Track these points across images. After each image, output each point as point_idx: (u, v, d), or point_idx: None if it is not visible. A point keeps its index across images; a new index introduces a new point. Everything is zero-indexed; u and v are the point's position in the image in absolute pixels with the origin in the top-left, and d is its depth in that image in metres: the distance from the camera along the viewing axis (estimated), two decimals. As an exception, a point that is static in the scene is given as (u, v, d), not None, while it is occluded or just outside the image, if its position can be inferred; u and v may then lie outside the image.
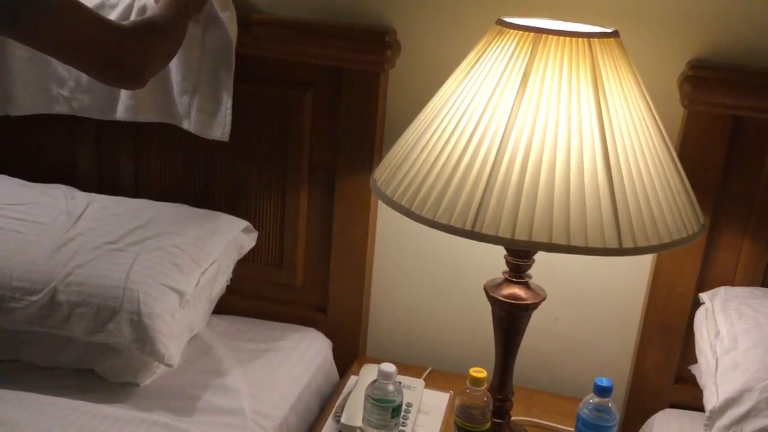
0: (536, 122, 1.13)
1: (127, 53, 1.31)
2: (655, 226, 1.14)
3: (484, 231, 1.12)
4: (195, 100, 1.59)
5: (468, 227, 1.13)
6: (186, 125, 1.62)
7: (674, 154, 1.24)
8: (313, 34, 1.58)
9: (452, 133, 1.19)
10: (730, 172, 1.46)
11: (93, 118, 1.69)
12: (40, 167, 1.81)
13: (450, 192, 1.16)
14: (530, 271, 1.34)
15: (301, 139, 1.66)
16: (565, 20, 1.34)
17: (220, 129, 1.59)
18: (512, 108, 1.15)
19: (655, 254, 1.53)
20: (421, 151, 1.22)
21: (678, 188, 1.20)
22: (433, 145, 1.21)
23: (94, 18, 1.28)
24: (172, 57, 1.47)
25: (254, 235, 1.71)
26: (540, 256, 1.29)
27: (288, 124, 1.66)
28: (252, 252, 1.71)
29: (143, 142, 1.76)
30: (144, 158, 1.77)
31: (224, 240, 1.62)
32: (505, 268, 1.34)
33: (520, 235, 1.11)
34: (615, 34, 1.22)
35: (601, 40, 1.18)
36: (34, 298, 1.42)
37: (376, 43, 1.56)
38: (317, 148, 1.67)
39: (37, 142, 1.82)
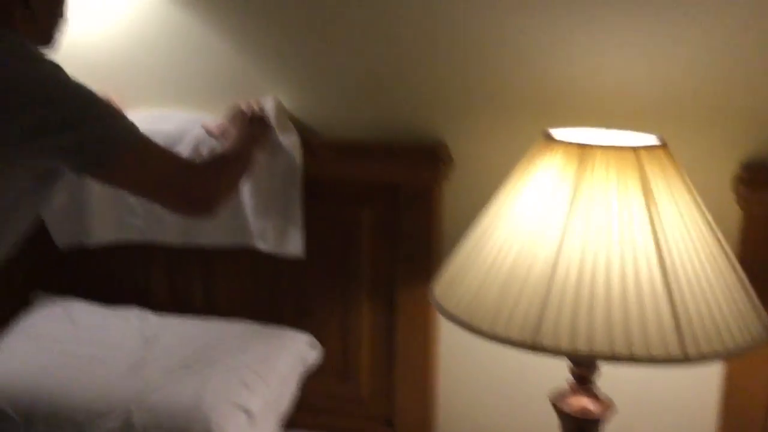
0: (588, 233, 1.16)
1: (198, 189, 1.39)
2: (718, 331, 1.13)
3: (544, 343, 1.13)
4: (269, 221, 1.67)
5: (528, 339, 1.14)
6: (261, 245, 1.69)
7: (732, 257, 1.24)
8: (369, 153, 1.66)
9: (506, 246, 1.22)
10: (794, 270, 1.45)
11: (165, 245, 1.77)
12: (115, 290, 1.89)
13: (508, 304, 1.18)
14: (596, 381, 1.33)
15: (362, 254, 1.71)
16: (611, 128, 1.37)
17: (294, 245, 1.67)
18: (564, 220, 1.18)
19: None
20: (478, 264, 1.25)
21: (739, 292, 1.19)
22: (488, 258, 1.24)
23: (169, 157, 1.38)
24: (239, 188, 1.55)
25: (319, 349, 1.74)
26: (605, 364, 1.28)
27: (349, 239, 1.72)
28: (317, 366, 1.74)
29: (212, 264, 1.83)
30: (213, 279, 1.84)
31: (290, 356, 1.66)
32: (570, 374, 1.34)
33: (581, 346, 1.11)
34: (662, 144, 1.25)
35: (647, 150, 1.21)
36: (110, 424, 1.46)
37: (429, 159, 1.62)
38: (378, 262, 1.72)
39: (113, 266, 1.91)
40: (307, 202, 1.68)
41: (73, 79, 1.30)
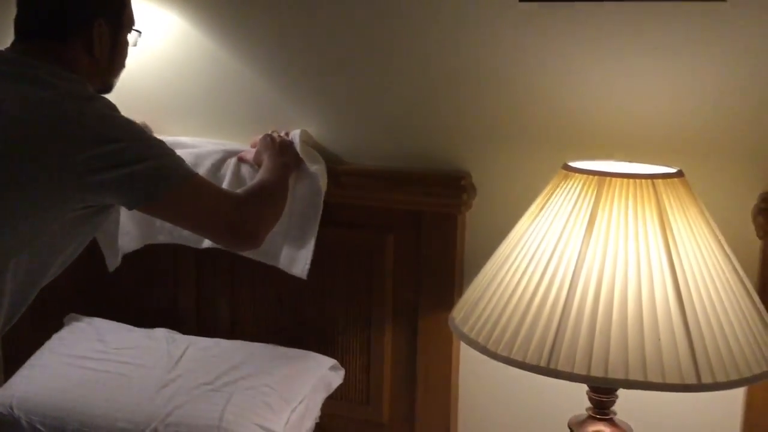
0: (605, 261, 1.18)
1: (244, 220, 1.45)
2: (733, 360, 1.14)
3: (559, 368, 1.15)
4: (284, 240, 1.71)
5: (543, 364, 1.16)
6: (273, 261, 1.73)
7: (750, 287, 1.25)
8: (393, 181, 1.70)
9: (524, 273, 1.25)
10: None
11: (191, 247, 1.80)
12: (144, 311, 1.95)
13: (524, 329, 1.20)
14: (615, 407, 1.34)
15: (385, 280, 1.74)
16: (631, 161, 1.40)
17: (301, 266, 1.70)
18: (581, 248, 1.20)
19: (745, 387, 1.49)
20: (495, 290, 1.28)
21: (756, 322, 1.20)
22: (507, 284, 1.26)
23: (215, 191, 1.45)
24: (281, 214, 1.60)
25: (341, 372, 1.77)
26: (624, 390, 1.29)
27: (372, 265, 1.75)
28: (339, 389, 1.77)
29: (239, 286, 1.88)
30: (239, 301, 1.89)
31: (313, 378, 1.69)
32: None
33: (596, 372, 1.13)
34: (679, 174, 1.27)
35: (665, 180, 1.23)
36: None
37: (453, 188, 1.65)
38: (400, 288, 1.75)
39: (143, 290, 1.97)
40: (330, 228, 1.73)
41: (126, 117, 1.38)
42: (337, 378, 1.76)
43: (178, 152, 1.46)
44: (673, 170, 1.29)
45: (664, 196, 1.21)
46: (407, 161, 1.74)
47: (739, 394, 1.54)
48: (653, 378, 1.11)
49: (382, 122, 1.75)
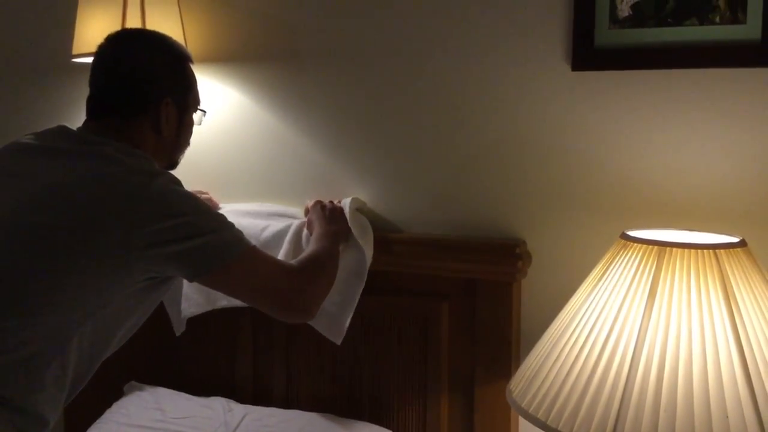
0: (668, 334, 1.15)
1: (297, 293, 1.48)
2: (807, 439, 1.09)
3: (625, 446, 1.11)
4: (326, 303, 1.71)
5: (606, 441, 1.13)
6: (312, 322, 1.72)
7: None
8: (447, 249, 1.70)
9: (583, 346, 1.22)
10: None
11: (249, 315, 1.81)
12: (203, 379, 1.96)
13: (585, 406, 1.17)
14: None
15: (440, 348, 1.73)
16: (691, 230, 1.37)
17: (337, 332, 1.69)
18: (642, 320, 1.18)
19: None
20: (554, 363, 1.25)
21: (830, 398, 1.15)
22: (566, 357, 1.24)
23: (271, 264, 1.48)
24: (332, 284, 1.61)
25: (397, 444, 1.75)
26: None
27: (427, 334, 1.74)
28: (395, 461, 1.74)
29: (294, 354, 1.88)
30: (295, 369, 1.88)
31: (368, 450, 1.67)
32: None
33: (662, 451, 1.09)
34: (742, 243, 1.24)
35: (727, 250, 1.20)
36: None
37: (508, 256, 1.64)
38: (456, 357, 1.73)
39: (201, 359, 1.98)
40: (384, 296, 1.73)
41: (188, 192, 1.43)
42: (392, 449, 1.74)
43: (238, 219, 1.49)
44: (735, 239, 1.26)
45: (727, 267, 1.18)
46: (461, 229, 1.74)
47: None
48: (723, 458, 1.07)
49: (435, 190, 1.77)
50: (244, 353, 1.94)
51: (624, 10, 1.56)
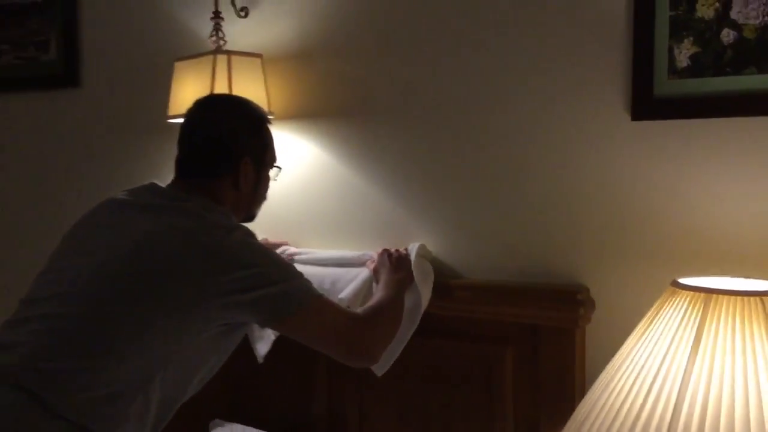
0: (711, 379, 1.16)
1: (361, 341, 1.58)
2: None
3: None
4: None
5: (649, 488, 1.13)
6: None
7: None
8: (508, 295, 1.74)
9: (629, 392, 1.24)
10: None
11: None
12: (280, 419, 2.05)
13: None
14: None
15: (504, 394, 1.76)
16: (744, 277, 1.37)
17: (382, 366, 1.78)
18: (687, 365, 1.19)
19: None
20: (601, 410, 1.27)
21: None
22: (612, 404, 1.26)
23: (337, 312, 1.58)
24: (397, 331, 1.70)
25: (463, 487, 1.77)
26: None
27: (491, 378, 1.77)
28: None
29: (368, 394, 1.94)
30: (367, 411, 1.95)
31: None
32: None
33: (704, 498, 1.09)
34: (793, 290, 1.23)
35: (775, 297, 1.20)
36: None
37: (569, 302, 1.67)
38: (520, 403, 1.75)
39: (280, 398, 2.08)
40: (445, 340, 1.80)
41: (261, 244, 1.56)
42: (458, 492, 1.77)
43: (311, 269, 1.59)
44: (785, 287, 1.26)
45: (775, 314, 1.18)
46: (521, 274, 1.78)
47: None
48: (768, 507, 1.06)
49: (499, 239, 1.82)
50: (320, 393, 2.02)
51: (682, 60, 1.59)
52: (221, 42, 2.05)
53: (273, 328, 1.54)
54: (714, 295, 1.22)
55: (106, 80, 2.46)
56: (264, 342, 1.95)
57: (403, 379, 1.84)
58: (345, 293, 1.83)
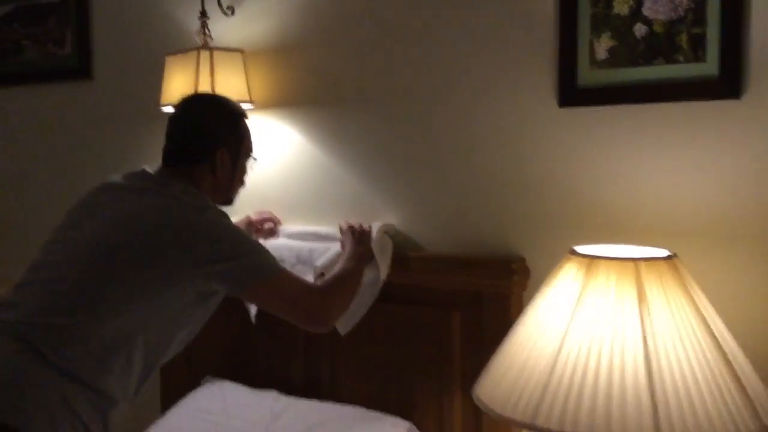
0: (586, 332, 1.36)
1: (317, 309, 1.80)
2: (699, 427, 1.25)
3: (539, 424, 1.32)
4: None
5: (528, 421, 1.34)
6: None
7: (733, 361, 1.34)
8: (455, 265, 1.95)
9: (525, 344, 1.46)
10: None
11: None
12: (263, 376, 2.29)
13: (518, 392, 1.39)
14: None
15: (453, 353, 1.97)
16: (644, 245, 1.57)
17: (344, 327, 2.03)
18: (568, 321, 1.39)
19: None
20: (503, 359, 1.49)
21: (731, 393, 1.30)
22: (510, 353, 1.48)
23: (296, 283, 1.80)
24: (352, 299, 1.92)
25: (417, 435, 2.00)
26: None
27: (441, 341, 1.98)
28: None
29: (340, 354, 2.17)
30: (339, 368, 2.18)
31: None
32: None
33: (568, 428, 1.29)
34: (668, 257, 1.41)
35: (648, 262, 1.39)
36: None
37: (505, 271, 1.87)
38: (466, 361, 1.96)
39: (265, 359, 2.32)
40: (402, 306, 2.02)
41: (231, 223, 1.79)
42: (413, 440, 1.99)
43: (291, 242, 1.91)
44: (665, 253, 1.44)
45: (645, 277, 1.37)
46: (469, 246, 1.99)
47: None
48: (621, 437, 1.26)
49: (449, 212, 2.03)
50: (299, 355, 2.25)
51: (602, 53, 1.77)
52: (208, 39, 2.27)
53: (239, 296, 1.76)
54: (596, 261, 1.41)
55: (116, 73, 2.71)
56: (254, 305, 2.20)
57: (367, 342, 2.07)
58: (320, 261, 2.07)
